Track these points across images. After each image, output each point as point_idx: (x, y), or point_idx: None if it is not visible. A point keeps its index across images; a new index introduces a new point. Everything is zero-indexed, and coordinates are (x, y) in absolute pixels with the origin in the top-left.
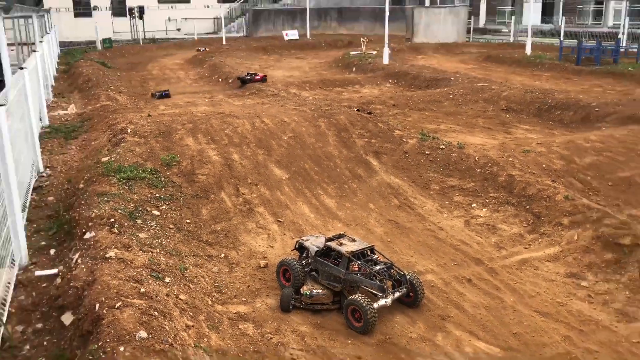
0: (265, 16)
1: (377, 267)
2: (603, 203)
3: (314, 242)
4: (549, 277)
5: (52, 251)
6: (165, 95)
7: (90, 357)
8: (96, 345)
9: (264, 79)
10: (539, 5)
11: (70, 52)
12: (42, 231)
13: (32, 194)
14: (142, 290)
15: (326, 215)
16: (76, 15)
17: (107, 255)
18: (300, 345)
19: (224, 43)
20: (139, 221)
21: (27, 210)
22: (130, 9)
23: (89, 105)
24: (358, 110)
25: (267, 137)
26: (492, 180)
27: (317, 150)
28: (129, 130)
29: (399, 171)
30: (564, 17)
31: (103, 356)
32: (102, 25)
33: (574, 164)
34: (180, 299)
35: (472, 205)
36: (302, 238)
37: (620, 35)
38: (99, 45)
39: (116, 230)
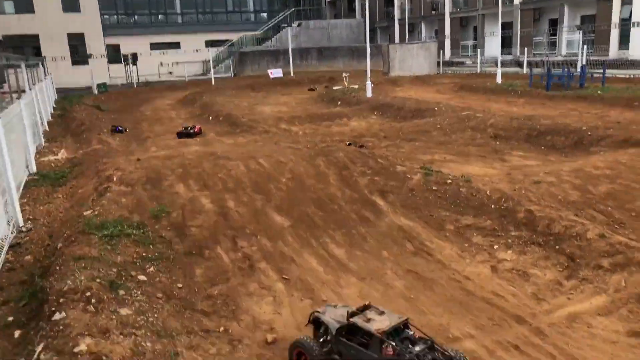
0: (251, 57)
1: (417, 349)
2: (634, 237)
3: (333, 316)
4: (608, 337)
5: (16, 333)
6: (119, 130)
7: None
8: None
9: (200, 132)
10: (499, 38)
11: (67, 98)
12: (12, 301)
13: (7, 254)
14: None
15: (337, 268)
16: (74, 63)
17: (77, 350)
18: None
19: (213, 83)
20: (122, 292)
21: None
22: (125, 56)
23: (81, 150)
24: (350, 144)
25: (264, 180)
26: (511, 217)
27: (319, 192)
28: (114, 179)
29: (409, 211)
30: (526, 48)
31: None
32: (98, 71)
33: (590, 194)
34: None
35: (495, 247)
36: (319, 310)
37: (582, 63)
38: (95, 90)
39: (93, 308)
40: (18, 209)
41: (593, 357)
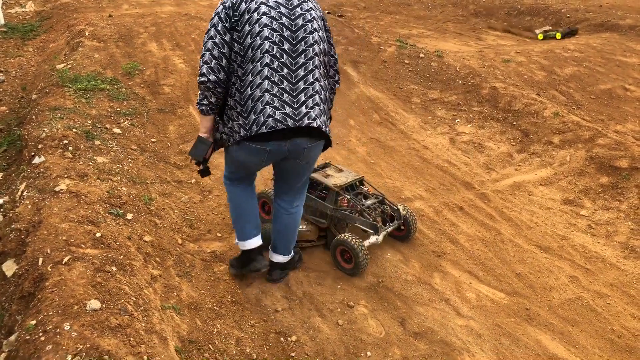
0: None
1: (369, 202)
2: (588, 118)
3: None
4: (544, 204)
5: None
6: None
7: (27, 338)
8: (35, 321)
9: None
10: None
11: None
12: None
13: None
14: (98, 234)
15: None
16: None
17: (58, 189)
18: (284, 292)
19: None
20: (97, 142)
21: None
22: None
23: (48, 3)
24: (328, 12)
25: None
26: (475, 93)
27: None
28: (86, 33)
29: (379, 83)
30: None
31: (42, 338)
32: None
33: (555, 75)
34: (145, 241)
35: (456, 121)
36: None
37: None
38: None
39: (70, 154)
40: None
41: (528, 220)
